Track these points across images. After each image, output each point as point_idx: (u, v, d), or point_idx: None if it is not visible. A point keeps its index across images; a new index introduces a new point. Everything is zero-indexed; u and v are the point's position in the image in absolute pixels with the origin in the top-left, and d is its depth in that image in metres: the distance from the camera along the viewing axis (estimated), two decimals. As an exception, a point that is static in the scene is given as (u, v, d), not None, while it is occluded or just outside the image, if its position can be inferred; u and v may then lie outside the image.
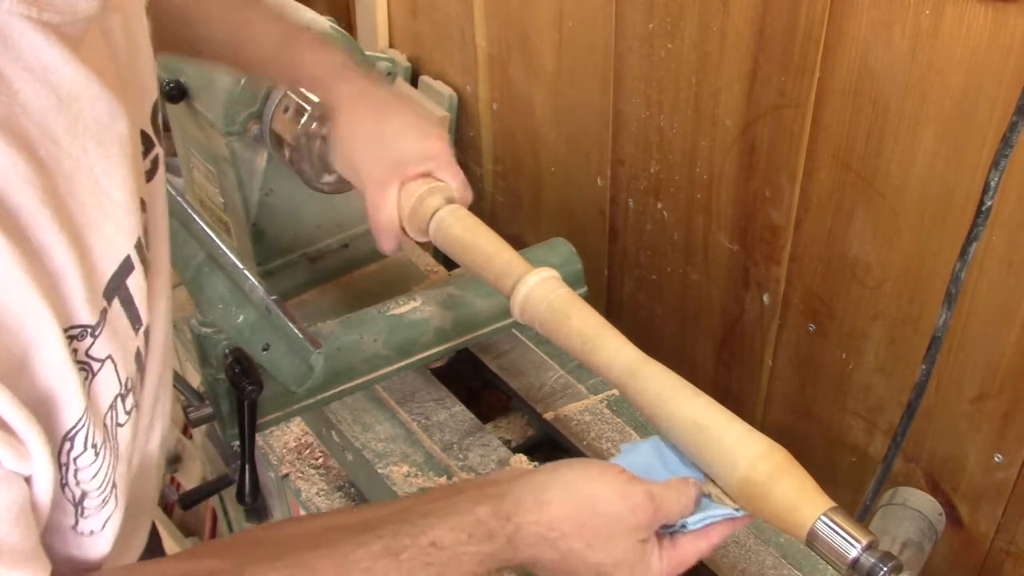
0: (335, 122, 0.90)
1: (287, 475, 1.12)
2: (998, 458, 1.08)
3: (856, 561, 0.61)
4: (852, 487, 1.26)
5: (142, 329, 0.58)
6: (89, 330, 0.51)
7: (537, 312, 0.78)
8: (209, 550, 0.61)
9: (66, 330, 0.49)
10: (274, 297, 0.93)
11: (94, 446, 0.53)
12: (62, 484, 0.52)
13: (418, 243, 0.95)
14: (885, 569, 0.61)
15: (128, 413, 0.57)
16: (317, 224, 1.21)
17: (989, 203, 0.92)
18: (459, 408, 1.04)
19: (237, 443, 0.95)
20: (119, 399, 0.55)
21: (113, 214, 0.53)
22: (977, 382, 1.07)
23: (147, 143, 0.62)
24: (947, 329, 1.00)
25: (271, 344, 0.93)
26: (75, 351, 0.50)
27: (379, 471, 0.97)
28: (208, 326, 0.94)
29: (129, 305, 0.56)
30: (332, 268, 1.26)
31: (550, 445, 1.05)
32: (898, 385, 1.16)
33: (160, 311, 0.66)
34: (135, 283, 0.56)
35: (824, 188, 1.13)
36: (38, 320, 0.47)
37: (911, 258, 1.07)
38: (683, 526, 0.67)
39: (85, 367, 0.52)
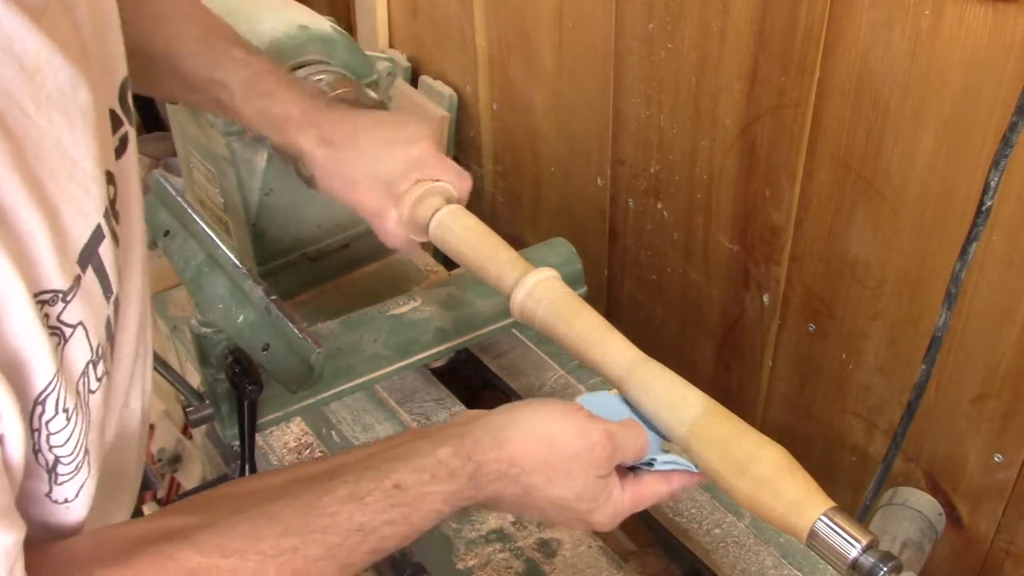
0: (314, 171, 0.91)
1: (287, 475, 1.12)
2: (998, 458, 1.08)
3: (856, 561, 0.61)
4: (852, 487, 1.26)
5: (112, 298, 0.59)
6: (60, 295, 0.52)
7: (537, 312, 0.78)
8: (179, 507, 0.63)
9: (36, 295, 0.50)
10: (274, 297, 0.93)
11: (65, 411, 0.53)
12: (35, 450, 0.53)
13: (418, 244, 0.95)
14: (885, 569, 0.61)
15: (99, 380, 0.57)
16: (317, 224, 1.21)
17: (989, 203, 0.92)
18: (459, 408, 1.04)
19: (237, 443, 0.95)
20: (91, 365, 0.56)
21: (82, 183, 0.54)
22: (977, 382, 1.07)
23: (116, 121, 0.63)
24: (947, 329, 1.00)
25: (271, 344, 0.93)
26: (46, 316, 0.51)
27: (379, 471, 0.97)
28: (208, 326, 0.94)
29: (101, 273, 0.56)
30: (332, 268, 1.26)
31: (550, 445, 1.05)
32: (898, 385, 1.16)
33: (134, 288, 0.66)
34: (105, 252, 0.57)
35: (824, 188, 1.13)
36: (6, 282, 0.47)
37: (911, 258, 1.07)
38: (649, 464, 0.69)
39: (57, 332, 0.52)
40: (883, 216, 1.08)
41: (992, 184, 0.91)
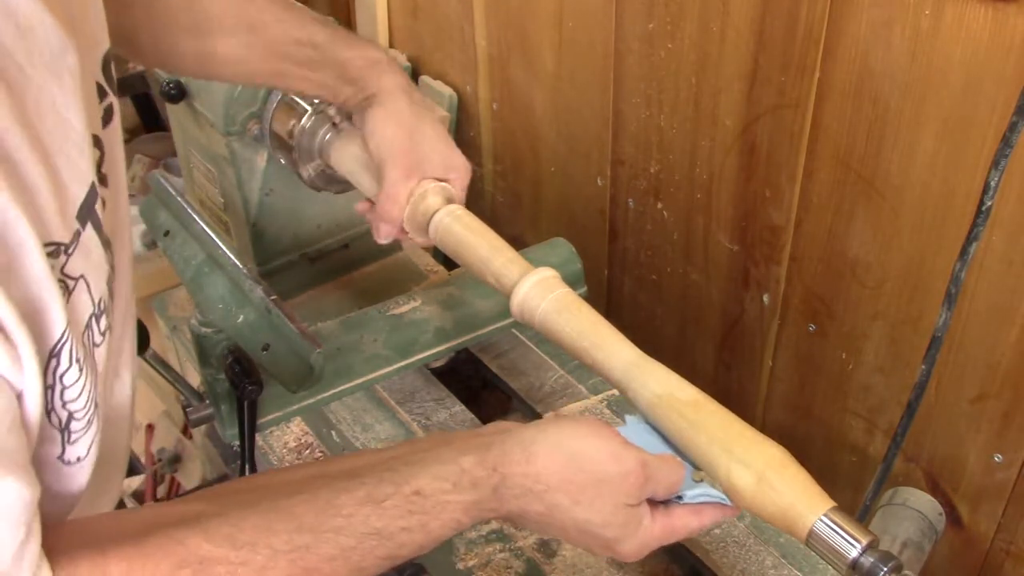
0: (373, 109, 0.91)
1: (287, 475, 1.12)
2: (998, 458, 1.08)
3: (856, 561, 0.61)
4: (852, 487, 1.26)
5: (111, 259, 0.60)
6: (63, 248, 0.53)
7: (537, 312, 0.78)
8: (196, 496, 0.63)
9: (45, 245, 0.51)
10: (274, 297, 0.93)
11: (78, 361, 0.54)
12: (48, 410, 0.53)
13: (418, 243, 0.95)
14: (885, 569, 0.61)
15: (103, 334, 0.58)
16: (317, 224, 1.21)
17: (989, 203, 0.92)
18: (459, 408, 1.04)
19: (237, 443, 0.95)
20: (93, 319, 0.56)
21: (76, 141, 0.55)
22: (977, 382, 1.07)
23: (101, 93, 0.64)
24: (947, 329, 1.00)
25: (271, 344, 0.94)
26: (52, 267, 0.52)
27: (379, 471, 0.97)
28: (208, 326, 0.94)
29: (99, 230, 0.57)
30: (332, 268, 1.26)
31: (550, 445, 1.05)
32: (898, 385, 1.16)
33: (123, 256, 0.67)
34: (100, 211, 0.58)
35: (824, 188, 1.13)
36: (20, 230, 0.48)
37: (911, 258, 1.07)
38: (679, 498, 0.67)
39: (62, 284, 0.53)
40: (883, 216, 1.08)
41: (992, 184, 0.91)
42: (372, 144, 0.92)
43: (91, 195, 0.56)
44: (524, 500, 0.62)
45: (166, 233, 1.07)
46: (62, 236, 0.52)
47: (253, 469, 0.96)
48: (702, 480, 0.68)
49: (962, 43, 0.93)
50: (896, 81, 1.00)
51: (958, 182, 0.99)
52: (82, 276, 0.55)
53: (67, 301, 0.53)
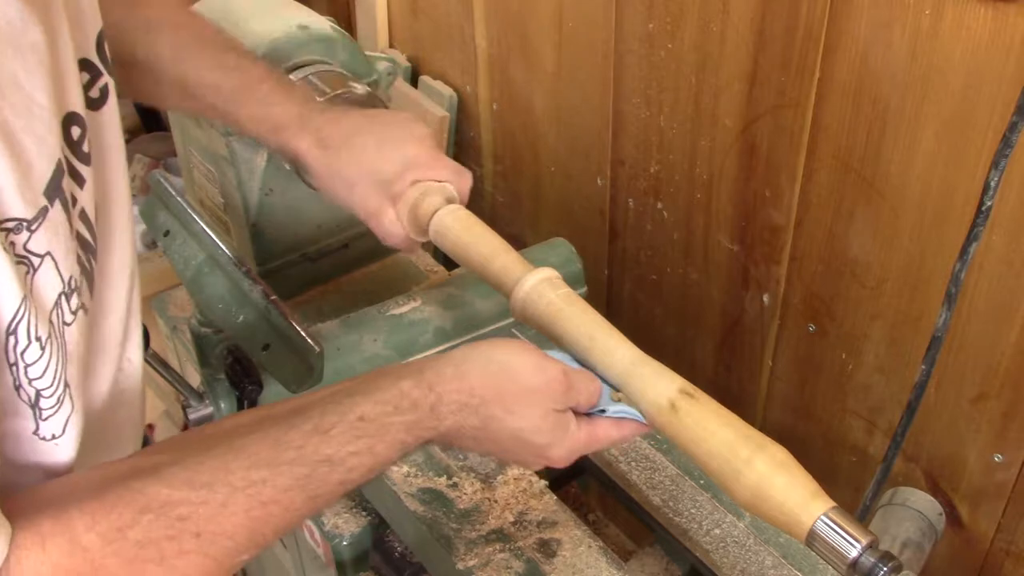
0: (311, 175, 0.91)
1: (287, 475, 1.11)
2: (998, 458, 1.08)
3: (856, 561, 0.61)
4: (852, 487, 1.26)
5: (89, 238, 0.61)
6: (25, 224, 0.53)
7: (537, 312, 0.78)
8: (150, 449, 0.66)
9: (2, 222, 0.51)
10: (274, 297, 0.93)
11: (39, 339, 0.54)
12: (16, 386, 0.54)
13: (418, 243, 0.95)
14: (885, 569, 0.61)
15: (75, 313, 0.58)
16: (317, 224, 1.21)
17: (989, 203, 0.92)
18: (459, 408, 1.04)
19: (237, 443, 0.95)
20: (63, 297, 0.57)
21: (41, 117, 0.55)
22: (977, 382, 1.07)
23: (93, 71, 0.64)
24: (947, 329, 1.00)
25: (271, 344, 0.93)
26: (12, 244, 0.52)
27: (379, 471, 0.97)
28: (208, 326, 0.94)
29: (69, 207, 0.57)
30: (332, 268, 1.26)
31: (550, 445, 1.05)
32: (898, 385, 1.16)
33: (118, 239, 0.68)
34: (69, 186, 0.58)
35: (824, 188, 1.13)
36: None
37: (911, 258, 1.07)
38: (602, 411, 0.72)
39: (24, 260, 0.53)
40: (883, 216, 1.08)
41: (992, 184, 0.91)
42: (334, 199, 0.92)
43: (58, 172, 0.56)
44: (461, 415, 0.67)
45: (166, 233, 1.06)
46: (23, 212, 0.52)
47: (253, 469, 0.96)
48: (620, 400, 0.73)
49: (962, 43, 0.93)
50: (896, 81, 1.00)
51: (958, 182, 0.99)
52: (48, 253, 0.55)
53: (31, 277, 0.54)
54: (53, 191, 0.55)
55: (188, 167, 1.28)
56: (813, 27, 1.05)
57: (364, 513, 1.09)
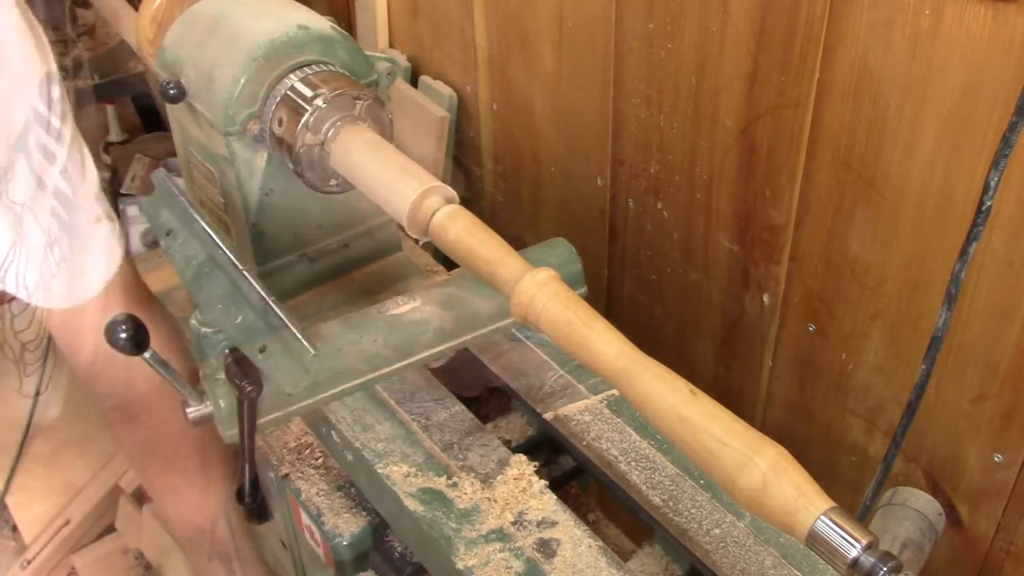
0: None
1: (287, 475, 1.12)
2: (998, 458, 1.08)
3: (856, 561, 0.61)
4: (852, 487, 1.26)
5: None
6: None
7: (536, 312, 0.78)
8: None
9: None
10: (272, 298, 0.93)
11: None
12: None
13: (418, 243, 0.95)
14: (885, 569, 0.61)
15: None
16: (317, 224, 1.21)
17: (989, 203, 0.92)
18: (459, 408, 1.04)
19: (237, 443, 0.95)
20: None
21: None
22: (977, 382, 1.07)
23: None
24: (947, 329, 1.00)
25: (267, 345, 0.93)
26: None
27: (379, 471, 0.97)
28: (208, 326, 0.94)
29: None
30: (332, 268, 1.26)
31: (550, 445, 1.05)
32: (898, 385, 1.16)
33: None
34: None
35: (824, 188, 1.13)
36: None
37: (911, 258, 1.07)
38: None
39: None
40: (883, 216, 1.08)
41: (992, 184, 0.91)
42: None
43: None
44: None
45: (168, 232, 1.07)
46: None
47: (253, 469, 0.96)
48: None
49: (962, 43, 0.93)
50: (896, 81, 1.00)
51: (958, 182, 0.99)
52: None
53: None
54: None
55: (188, 167, 1.28)
56: (813, 27, 1.05)
57: (364, 513, 1.09)
